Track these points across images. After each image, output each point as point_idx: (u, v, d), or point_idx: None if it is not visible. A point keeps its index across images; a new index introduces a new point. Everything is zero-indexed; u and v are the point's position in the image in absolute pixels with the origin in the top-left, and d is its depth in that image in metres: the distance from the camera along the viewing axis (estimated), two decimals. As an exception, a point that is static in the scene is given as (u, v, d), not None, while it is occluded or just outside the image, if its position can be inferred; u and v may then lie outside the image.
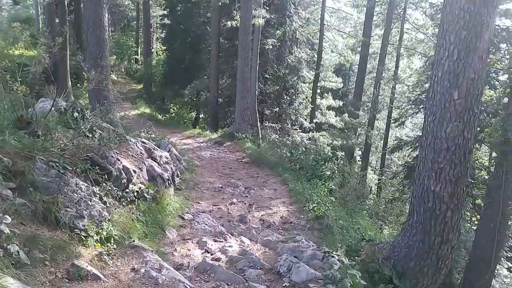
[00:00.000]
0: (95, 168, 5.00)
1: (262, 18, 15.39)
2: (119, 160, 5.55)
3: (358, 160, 25.36)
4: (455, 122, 5.30)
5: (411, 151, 19.76)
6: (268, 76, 21.21)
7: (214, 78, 21.17)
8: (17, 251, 3.51)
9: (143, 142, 6.72)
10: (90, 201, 4.50)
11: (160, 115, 22.75)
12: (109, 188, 5.05)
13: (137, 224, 5.24)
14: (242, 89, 15.91)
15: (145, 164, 6.22)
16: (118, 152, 5.82)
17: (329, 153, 11.24)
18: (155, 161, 6.63)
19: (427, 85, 18.92)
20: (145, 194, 5.79)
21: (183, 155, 11.55)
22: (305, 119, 23.20)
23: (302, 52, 21.72)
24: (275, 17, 19.74)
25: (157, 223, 5.59)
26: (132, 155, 6.15)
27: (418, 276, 5.78)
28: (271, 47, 19.54)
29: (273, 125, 21.16)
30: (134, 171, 5.76)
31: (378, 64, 20.51)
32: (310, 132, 22.81)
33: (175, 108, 23.00)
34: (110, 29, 37.38)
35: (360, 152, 23.19)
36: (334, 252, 5.12)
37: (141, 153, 6.34)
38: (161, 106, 25.23)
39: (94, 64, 8.52)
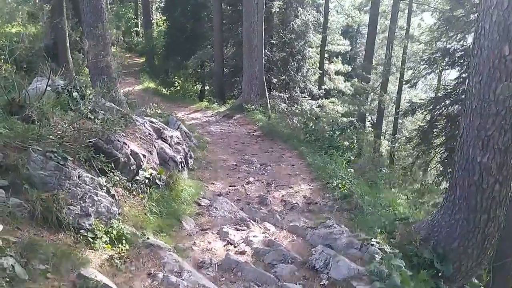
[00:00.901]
0: (100, 155, 4.38)
1: (267, -21, 14.38)
2: (126, 144, 4.93)
3: (368, 126, 24.64)
4: (505, 81, 4.57)
5: (426, 114, 19.01)
6: (274, 42, 20.24)
7: (218, 47, 20.25)
8: (12, 265, 2.94)
9: (152, 122, 6.06)
10: (96, 196, 3.90)
11: (165, 89, 22.00)
12: (117, 177, 4.44)
13: (151, 216, 4.67)
14: (249, 57, 15.05)
15: (155, 147, 5.59)
16: (124, 134, 5.20)
17: (346, 122, 10.55)
18: (165, 142, 6.00)
19: (439, 44, 17.96)
20: (157, 181, 5.20)
21: (192, 131, 10.92)
22: (313, 86, 22.34)
23: (309, 15, 20.60)
24: (279, -23, 18.63)
25: (173, 213, 5.01)
26: (140, 137, 5.52)
27: (461, 258, 5.21)
28: (277, 10, 18.47)
29: (281, 94, 20.33)
30: (144, 156, 5.14)
31: (390, 23, 19.38)
32: (320, 99, 22.03)
33: (180, 81, 22.18)
34: (108, 1, 36.13)
35: (370, 118, 22.42)
36: (373, 239, 4.52)
37: (150, 134, 5.69)
38: (165, 80, 24.42)
39: (91, 35, 7.77)
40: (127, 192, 4.68)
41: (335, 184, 7.04)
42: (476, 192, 4.95)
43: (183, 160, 6.10)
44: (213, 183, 7.42)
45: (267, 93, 16.59)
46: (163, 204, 5.02)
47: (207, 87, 24.83)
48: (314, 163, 8.65)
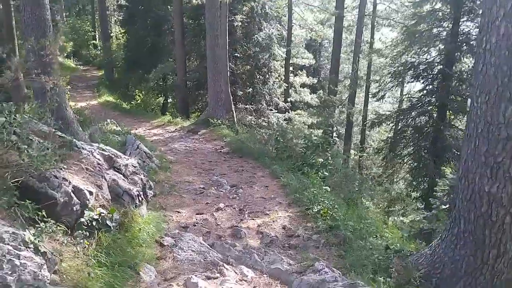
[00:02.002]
0: (26, 201, 3.32)
1: (231, -10, 13.61)
2: (67, 180, 3.87)
3: (335, 137, 24.17)
4: (517, 102, 3.90)
5: (393, 126, 18.72)
6: (238, 55, 19.45)
7: (180, 60, 19.27)
8: None
9: (102, 150, 4.98)
10: (19, 258, 2.84)
11: (125, 102, 20.70)
12: (50, 228, 3.38)
13: (98, 270, 3.61)
14: (214, 70, 14.15)
15: (105, 179, 4.54)
16: (65, 167, 4.13)
17: (320, 138, 9.80)
18: (119, 172, 4.94)
19: (405, 57, 17.76)
20: (108, 222, 4.15)
21: (153, 150, 9.87)
22: (279, 99, 21.67)
23: (272, 28, 20.00)
24: (242, -9, 17.95)
25: (127, 262, 3.98)
26: (86, 169, 4.46)
27: (469, 298, 4.48)
28: (240, 23, 17.77)
29: (247, 106, 19.51)
30: (91, 192, 4.09)
31: (355, 37, 19.02)
32: (286, 112, 21.38)
33: (141, 95, 20.94)
34: (64, 14, 34.37)
35: (336, 129, 21.96)
36: (377, 291, 3.67)
37: (99, 164, 4.63)
38: (126, 93, 23.14)
39: (32, 50, 6.63)
40: (68, 241, 3.62)
41: (315, 211, 6.19)
42: (484, 225, 4.22)
43: (141, 192, 5.04)
44: (178, 212, 6.43)
45: (233, 106, 15.72)
46: (116, 251, 3.98)
47: (170, 100, 23.69)
48: (289, 184, 7.79)
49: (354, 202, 8.78)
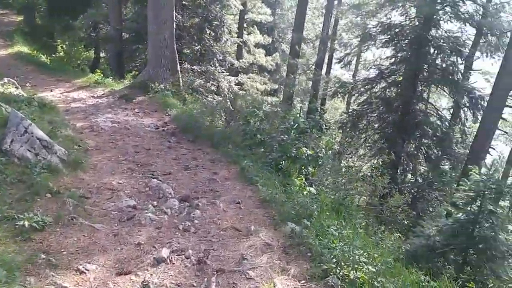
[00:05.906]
0: None
1: None
2: None
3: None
4: None
5: (358, 96, 16.08)
6: (185, 4, 15.50)
7: (114, 5, 14.97)
8: None
9: None
10: None
11: (45, 55, 16.10)
12: None
13: None
14: (156, 19, 10.32)
15: None
16: None
17: (309, 121, 6.75)
18: None
19: (380, 16, 14.91)
20: None
21: (63, 127, 6.32)
22: (233, 59, 18.11)
23: (227, -27, 16.15)
24: None
25: None
26: None
27: None
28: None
29: (194, 67, 15.75)
30: None
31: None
32: (239, 74, 18.02)
33: (64, 46, 16.34)
34: None
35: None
36: None
37: None
38: (47, 44, 18.34)
39: None
40: None
41: (341, 275, 3.22)
42: None
43: None
44: (82, 272, 3.19)
45: (178, 67, 12.08)
46: None
47: (103, 55, 19.25)
48: (273, 197, 4.74)
49: (346, 209, 5.96)
